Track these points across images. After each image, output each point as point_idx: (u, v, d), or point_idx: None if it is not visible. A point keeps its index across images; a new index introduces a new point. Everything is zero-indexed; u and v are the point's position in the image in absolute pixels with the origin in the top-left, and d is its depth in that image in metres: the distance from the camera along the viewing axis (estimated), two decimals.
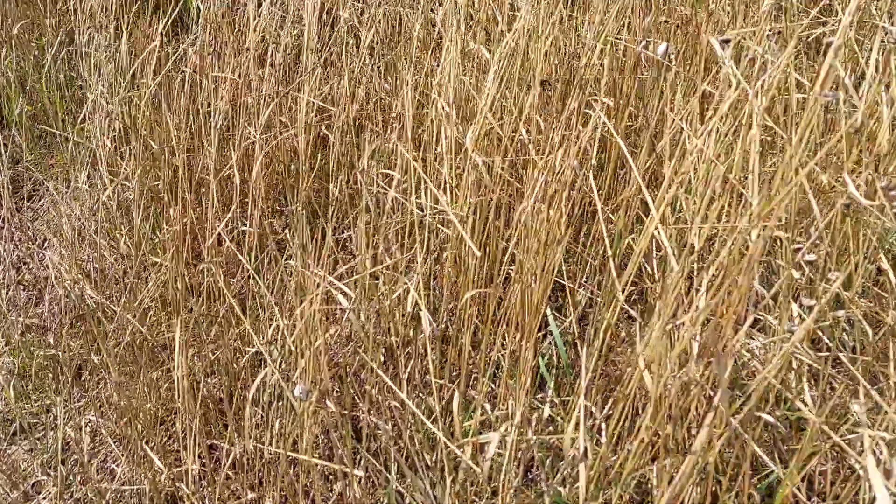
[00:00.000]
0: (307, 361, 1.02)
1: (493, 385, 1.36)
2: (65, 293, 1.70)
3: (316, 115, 1.80)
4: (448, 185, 1.34)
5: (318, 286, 1.06)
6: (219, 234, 1.43)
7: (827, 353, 1.06)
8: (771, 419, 1.01)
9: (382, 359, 1.35)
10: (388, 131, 1.72)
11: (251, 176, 1.70)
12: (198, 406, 1.27)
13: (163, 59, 1.84)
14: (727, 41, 1.02)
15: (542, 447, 1.14)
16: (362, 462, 1.28)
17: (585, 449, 0.93)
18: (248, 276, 1.46)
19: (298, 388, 1.02)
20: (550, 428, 1.23)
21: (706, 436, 0.73)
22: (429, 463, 1.21)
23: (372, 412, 1.27)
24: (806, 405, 1.14)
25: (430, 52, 1.74)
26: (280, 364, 1.26)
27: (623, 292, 0.99)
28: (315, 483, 1.23)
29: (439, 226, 1.24)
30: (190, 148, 1.74)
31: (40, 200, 2.29)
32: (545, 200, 1.08)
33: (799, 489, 1.15)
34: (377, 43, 1.93)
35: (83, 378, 1.70)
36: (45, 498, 1.52)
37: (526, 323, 1.06)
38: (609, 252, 1.11)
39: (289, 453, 1.22)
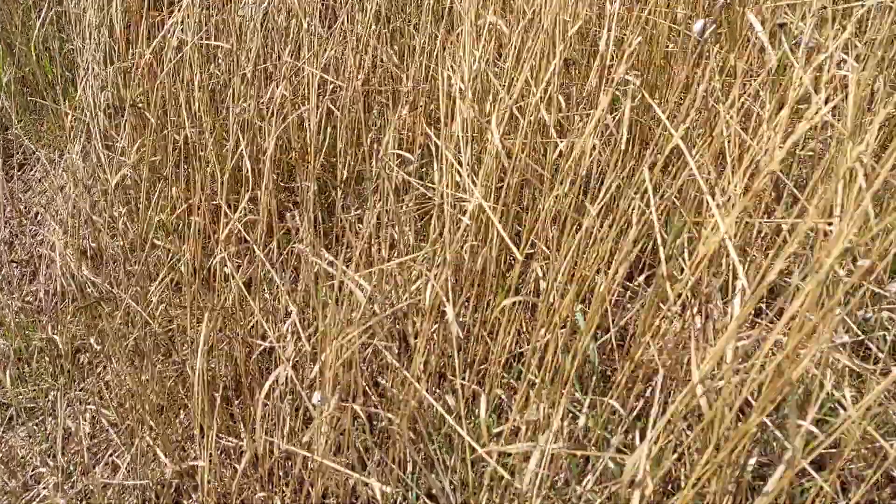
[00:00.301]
0: (330, 367, 0.96)
1: (512, 380, 1.31)
2: (63, 278, 1.63)
3: (319, 88, 1.70)
4: (468, 170, 1.26)
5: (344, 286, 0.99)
6: (227, 218, 1.35)
7: (874, 366, 1.01)
8: (815, 429, 0.96)
9: (397, 352, 1.30)
10: (399, 105, 1.64)
11: (255, 153, 1.62)
12: (218, 401, 1.22)
13: (154, 26, 1.74)
14: (783, 25, 0.94)
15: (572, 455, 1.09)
16: (376, 459, 1.23)
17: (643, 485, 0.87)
18: (258, 262, 1.39)
19: (317, 395, 0.96)
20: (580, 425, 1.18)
21: (779, 482, 0.68)
22: (447, 464, 1.17)
23: (387, 409, 1.22)
24: (845, 409, 1.10)
25: (436, 14, 1.64)
26: (294, 360, 1.20)
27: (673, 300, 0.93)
28: (326, 479, 1.19)
29: (460, 216, 1.17)
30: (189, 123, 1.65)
31: (32, 170, 2.19)
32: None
33: (837, 495, 1.11)
34: (384, 9, 1.83)
35: (82, 362, 1.64)
36: (45, 488, 1.47)
37: (560, 335, 1.00)
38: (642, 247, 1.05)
39: (302, 452, 1.17)
